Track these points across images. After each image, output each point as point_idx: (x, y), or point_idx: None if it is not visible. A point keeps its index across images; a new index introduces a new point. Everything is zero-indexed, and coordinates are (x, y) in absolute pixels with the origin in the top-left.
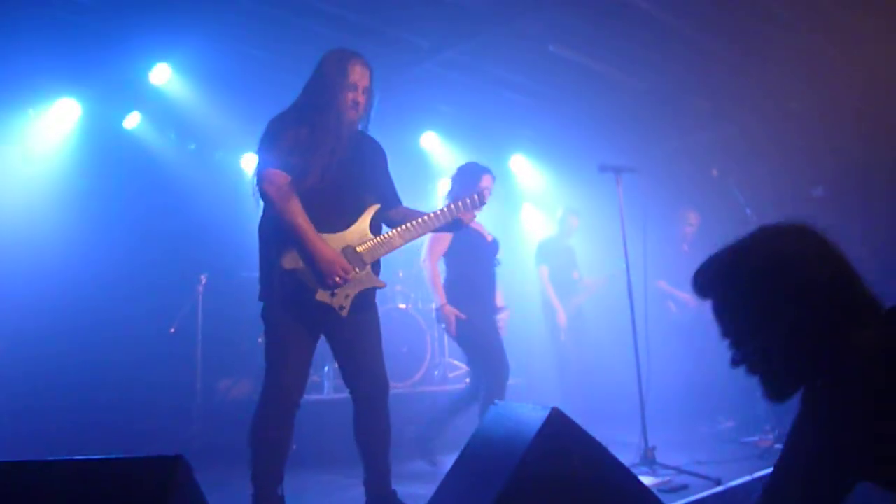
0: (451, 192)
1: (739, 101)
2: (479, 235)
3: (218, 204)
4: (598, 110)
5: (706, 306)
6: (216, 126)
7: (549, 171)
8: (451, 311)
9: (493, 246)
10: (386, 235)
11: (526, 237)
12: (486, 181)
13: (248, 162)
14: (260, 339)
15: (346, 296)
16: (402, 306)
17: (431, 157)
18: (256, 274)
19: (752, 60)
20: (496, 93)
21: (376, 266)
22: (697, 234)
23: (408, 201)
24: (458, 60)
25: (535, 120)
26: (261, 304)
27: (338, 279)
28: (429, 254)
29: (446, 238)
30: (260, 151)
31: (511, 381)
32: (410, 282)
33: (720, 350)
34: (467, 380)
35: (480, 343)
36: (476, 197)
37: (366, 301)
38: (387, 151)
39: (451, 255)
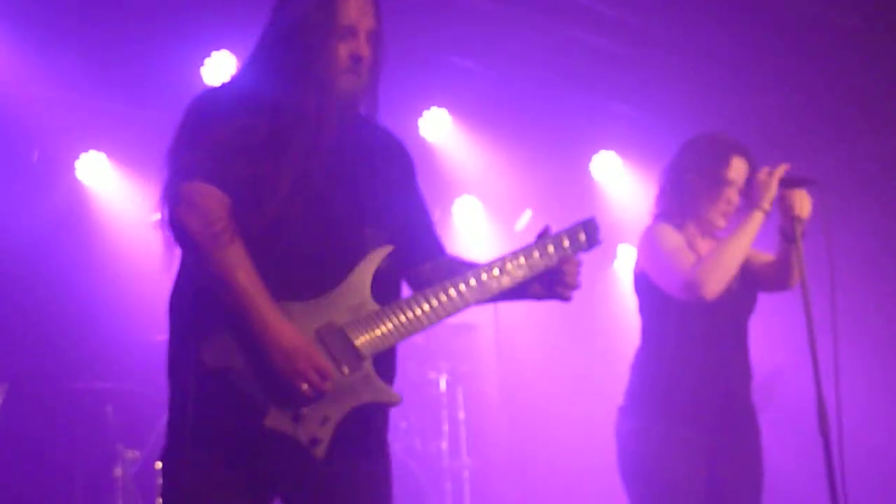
0: (661, 193)
1: None
2: None
3: (34, 246)
4: (758, 73)
5: None
6: (35, 102)
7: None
8: None
9: (739, 296)
10: (405, 306)
11: (622, 302)
12: (735, 169)
13: (90, 167)
14: None
15: (325, 419)
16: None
17: (439, 156)
18: (108, 384)
19: None
20: (564, 36)
21: (387, 363)
22: None
23: None
24: None
25: (638, 87)
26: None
27: (305, 387)
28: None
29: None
30: (178, 151)
31: None
32: (401, 394)
33: None
34: None
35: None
36: (582, 233)
37: (365, 432)
38: None
39: (660, 304)
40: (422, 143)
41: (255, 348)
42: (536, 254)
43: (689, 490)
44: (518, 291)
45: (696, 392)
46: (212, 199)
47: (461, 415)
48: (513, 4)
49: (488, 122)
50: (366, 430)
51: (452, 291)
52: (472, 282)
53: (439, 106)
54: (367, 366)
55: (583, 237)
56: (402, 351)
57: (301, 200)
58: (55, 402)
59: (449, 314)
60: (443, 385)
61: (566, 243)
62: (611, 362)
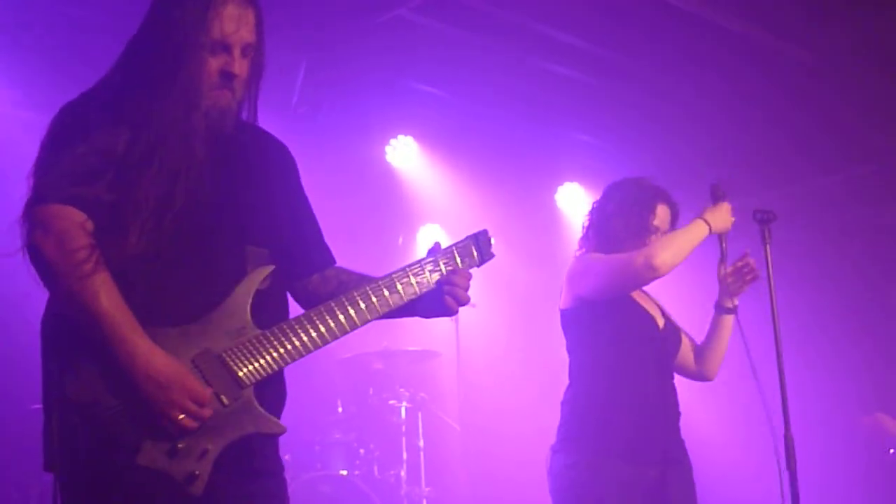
0: (586, 235)
1: None
2: (643, 313)
3: (21, 272)
4: (725, 105)
5: None
6: (36, 129)
7: None
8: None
9: (669, 335)
10: (287, 330)
11: None
12: (660, 216)
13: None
14: None
15: (203, 453)
16: (343, 473)
17: (405, 184)
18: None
19: None
20: (531, 66)
21: (272, 391)
22: None
23: (363, 262)
24: (457, 1)
25: (604, 119)
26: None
27: (181, 417)
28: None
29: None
30: (37, 169)
31: None
32: (360, 421)
33: None
34: None
35: None
36: (473, 247)
37: (248, 462)
38: (322, 171)
39: (592, 340)
40: (388, 169)
41: (123, 379)
42: (428, 270)
43: None
44: (407, 308)
45: (628, 427)
46: (69, 223)
47: (421, 442)
48: (481, 33)
49: (455, 150)
50: (251, 458)
51: (340, 315)
52: (362, 304)
53: (406, 133)
54: (248, 394)
55: (474, 251)
56: (365, 377)
57: (171, 220)
58: (16, 422)
59: (336, 337)
60: (403, 412)
61: (458, 258)
62: None
